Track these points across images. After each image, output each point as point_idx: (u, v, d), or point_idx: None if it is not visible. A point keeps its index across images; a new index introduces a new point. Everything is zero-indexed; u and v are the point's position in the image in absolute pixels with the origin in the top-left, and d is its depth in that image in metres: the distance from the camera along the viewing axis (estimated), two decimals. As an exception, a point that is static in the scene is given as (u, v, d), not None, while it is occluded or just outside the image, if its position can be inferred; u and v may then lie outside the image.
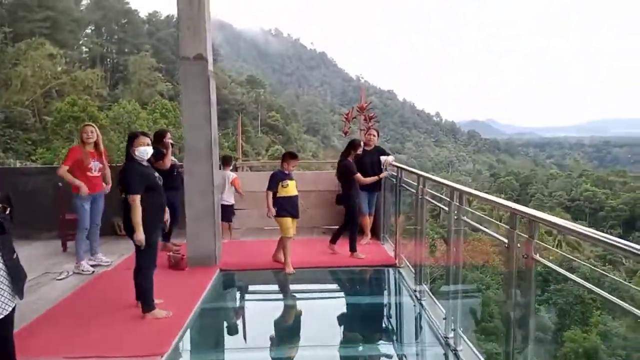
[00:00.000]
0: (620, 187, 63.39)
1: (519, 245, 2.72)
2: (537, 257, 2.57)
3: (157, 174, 3.97)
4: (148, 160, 4.01)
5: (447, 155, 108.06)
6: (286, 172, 5.35)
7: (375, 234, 6.60)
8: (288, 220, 5.30)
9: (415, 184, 4.60)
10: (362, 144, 6.09)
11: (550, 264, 2.62)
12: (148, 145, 3.90)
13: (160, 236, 4.51)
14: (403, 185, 5.30)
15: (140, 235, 3.70)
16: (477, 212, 3.77)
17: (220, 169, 6.30)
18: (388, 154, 6.24)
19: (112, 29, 59.28)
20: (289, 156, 5.43)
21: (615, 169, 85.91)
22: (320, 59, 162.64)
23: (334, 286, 5.91)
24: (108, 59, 57.16)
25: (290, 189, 5.33)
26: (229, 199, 6.67)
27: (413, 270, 4.83)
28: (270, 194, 5.28)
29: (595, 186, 64.43)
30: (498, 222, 3.33)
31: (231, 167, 6.96)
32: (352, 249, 5.69)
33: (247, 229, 7.32)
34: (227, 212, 6.61)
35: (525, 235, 2.65)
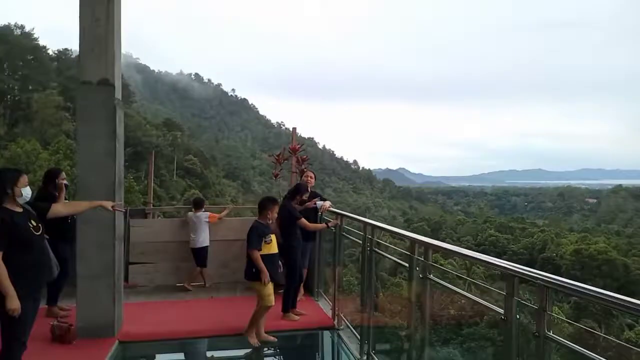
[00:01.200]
0: (520, 233, 68.58)
1: (417, 268, 3.19)
2: (432, 277, 3.09)
3: (33, 223, 3.05)
4: (34, 205, 3.17)
5: (364, 202, 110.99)
6: (267, 223, 4.44)
7: (308, 289, 5.88)
8: (270, 286, 4.33)
9: (362, 233, 4.08)
10: (308, 188, 5.51)
11: (440, 281, 3.15)
12: (26, 185, 3.03)
13: (42, 299, 3.52)
14: (344, 234, 4.76)
15: (11, 303, 2.80)
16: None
17: (191, 211, 6.34)
18: (324, 199, 5.64)
19: (15, 64, 54.56)
20: (271, 202, 4.47)
21: (514, 216, 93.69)
22: (242, 104, 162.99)
23: (259, 356, 5.09)
24: (9, 96, 52.26)
25: (272, 245, 4.41)
26: (205, 241, 6.23)
27: (357, 334, 4.19)
28: (258, 253, 4.31)
29: (499, 232, 69.23)
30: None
31: (203, 210, 6.48)
32: (286, 309, 4.92)
33: (155, 287, 6.24)
34: (202, 256, 6.20)
35: (422, 259, 3.15)
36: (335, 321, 4.79)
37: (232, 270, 6.32)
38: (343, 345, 4.43)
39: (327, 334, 4.79)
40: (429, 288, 3.10)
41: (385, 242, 4.18)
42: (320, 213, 5.47)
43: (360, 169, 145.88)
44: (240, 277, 6.44)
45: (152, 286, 6.25)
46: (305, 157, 6.73)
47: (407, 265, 3.32)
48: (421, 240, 3.19)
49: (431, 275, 3.08)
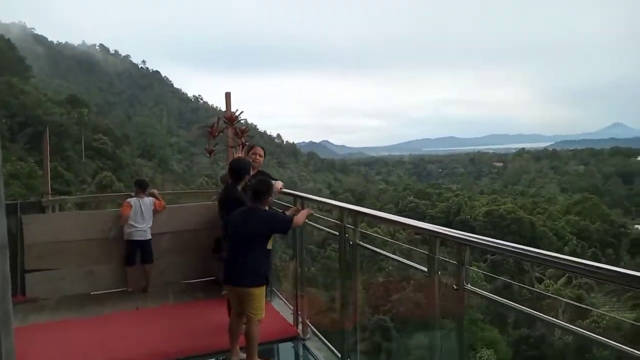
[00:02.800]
0: (436, 198, 72.42)
1: (347, 235, 3.26)
2: (361, 242, 3.19)
3: None
4: None
5: (290, 176, 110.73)
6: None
7: None
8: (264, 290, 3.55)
9: (337, 221, 3.43)
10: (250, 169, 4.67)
11: (370, 246, 3.27)
12: None
13: None
14: (307, 222, 4.05)
15: None
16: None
17: (133, 196, 5.46)
18: (275, 179, 4.71)
19: None
20: (265, 186, 3.60)
21: (431, 182, 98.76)
22: (154, 77, 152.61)
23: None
24: None
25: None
26: (148, 233, 5.26)
27: (328, 345, 3.61)
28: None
29: (417, 198, 72.62)
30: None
31: (147, 193, 5.48)
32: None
33: (62, 299, 5.14)
34: (147, 251, 5.24)
35: (351, 227, 3.23)
36: (300, 328, 4.03)
37: (160, 269, 5.43)
38: (313, 358, 3.70)
39: (288, 347, 4.00)
40: (358, 254, 3.26)
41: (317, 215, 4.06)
42: (274, 195, 4.75)
43: (284, 142, 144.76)
44: (172, 277, 5.45)
45: (57, 297, 5.17)
46: (245, 128, 5.61)
47: (337, 233, 3.37)
48: (350, 209, 3.28)
49: (360, 242, 3.17)
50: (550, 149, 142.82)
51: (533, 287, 28.74)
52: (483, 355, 19.53)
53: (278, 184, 4.61)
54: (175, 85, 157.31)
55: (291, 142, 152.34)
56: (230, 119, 5.52)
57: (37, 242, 5.17)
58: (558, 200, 71.28)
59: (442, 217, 64.46)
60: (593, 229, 52.44)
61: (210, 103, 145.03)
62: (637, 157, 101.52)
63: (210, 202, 5.89)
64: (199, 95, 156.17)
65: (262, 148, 5.02)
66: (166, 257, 5.52)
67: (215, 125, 5.70)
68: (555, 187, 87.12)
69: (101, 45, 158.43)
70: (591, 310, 24.97)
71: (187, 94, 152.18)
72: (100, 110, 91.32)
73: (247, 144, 5.32)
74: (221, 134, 5.66)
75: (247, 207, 3.55)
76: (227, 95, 5.76)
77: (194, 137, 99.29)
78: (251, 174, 4.61)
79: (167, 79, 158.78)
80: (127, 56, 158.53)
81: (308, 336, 3.97)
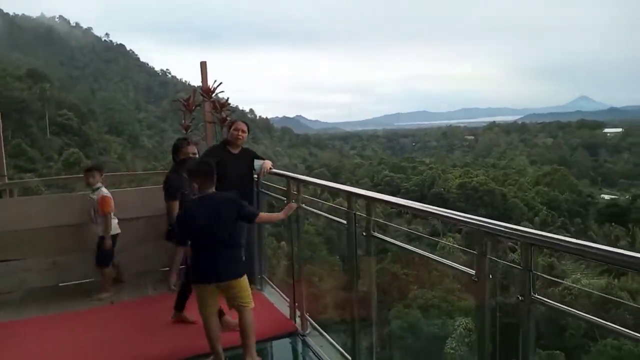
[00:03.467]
0: (411, 171, 73.08)
1: (357, 224, 2.84)
2: (376, 233, 2.73)
3: None
4: None
5: (264, 151, 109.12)
6: None
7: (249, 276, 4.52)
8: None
9: (345, 209, 2.97)
10: (228, 141, 4.24)
11: (387, 238, 2.80)
12: None
13: None
14: (304, 206, 3.57)
15: None
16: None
17: (97, 185, 4.59)
18: (262, 158, 4.28)
19: None
20: (206, 166, 3.24)
21: (404, 156, 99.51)
22: (118, 51, 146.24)
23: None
24: None
25: None
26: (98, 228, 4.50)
27: (333, 343, 3.17)
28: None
29: (393, 172, 73.11)
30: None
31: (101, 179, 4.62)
32: (179, 307, 3.72)
33: (27, 292, 4.60)
34: (104, 254, 4.47)
35: (364, 215, 2.77)
36: (298, 322, 3.55)
37: (137, 257, 4.93)
38: (316, 358, 3.21)
39: (285, 344, 3.50)
40: (373, 247, 2.81)
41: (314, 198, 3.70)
42: (262, 176, 4.20)
43: (258, 117, 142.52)
44: (149, 265, 4.88)
45: (22, 290, 4.63)
46: (224, 101, 5.05)
47: (345, 222, 2.92)
48: (364, 195, 2.85)
49: (375, 233, 2.73)
50: (520, 122, 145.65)
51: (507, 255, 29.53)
52: (462, 323, 19.98)
53: (267, 164, 4.18)
54: (142, 59, 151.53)
55: (264, 117, 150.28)
56: (208, 91, 4.95)
57: None
58: (528, 172, 72.97)
59: (417, 190, 65.23)
60: (562, 199, 54.04)
61: (179, 77, 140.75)
62: (602, 130, 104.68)
63: None
64: (167, 69, 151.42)
65: (245, 123, 4.42)
66: (142, 244, 4.94)
67: (192, 98, 5.12)
68: (525, 159, 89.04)
69: (61, 17, 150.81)
70: (561, 282, 25.74)
71: (154, 68, 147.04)
72: (63, 85, 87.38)
73: (228, 118, 4.81)
74: (198, 107, 5.12)
75: (205, 194, 3.09)
76: (203, 65, 5.13)
77: (164, 112, 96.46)
78: (235, 152, 4.23)
79: (133, 52, 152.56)
80: (89, 29, 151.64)
81: (308, 331, 3.48)
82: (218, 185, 3.53)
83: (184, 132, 5.11)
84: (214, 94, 4.96)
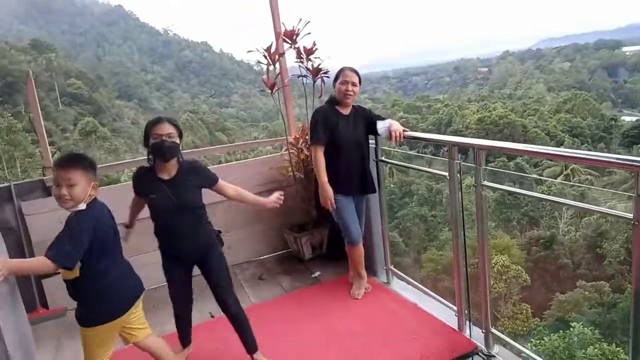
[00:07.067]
0: (426, 111, 71.75)
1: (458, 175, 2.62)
2: (486, 182, 2.46)
3: None
4: None
5: (274, 104, 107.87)
6: None
7: (369, 268, 3.52)
8: None
9: (446, 159, 2.72)
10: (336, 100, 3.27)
11: (501, 187, 2.91)
12: None
13: None
14: (486, 182, 2.60)
15: None
16: None
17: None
18: (382, 118, 3.30)
19: None
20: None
21: (418, 95, 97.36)
22: (117, 12, 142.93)
23: None
24: None
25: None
26: None
27: None
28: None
29: (407, 113, 71.75)
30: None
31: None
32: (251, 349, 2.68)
33: None
34: None
35: (471, 164, 2.50)
36: (469, 333, 2.58)
37: (240, 247, 4.46)
38: None
39: None
40: (484, 200, 2.48)
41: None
42: (395, 143, 3.17)
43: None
44: (246, 256, 4.27)
45: None
46: (311, 47, 3.78)
47: (446, 174, 2.69)
48: (472, 144, 2.51)
49: (487, 182, 2.46)
50: (534, 49, 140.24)
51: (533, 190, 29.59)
52: (499, 261, 20.11)
53: (397, 126, 3.14)
54: (142, 20, 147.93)
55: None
56: (291, 35, 3.69)
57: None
58: (547, 100, 71.07)
59: (434, 130, 64.23)
60: (585, 124, 52.80)
61: (181, 35, 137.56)
62: (620, 49, 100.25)
63: (279, 155, 4.59)
64: (169, 27, 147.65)
65: (356, 72, 3.26)
66: (227, 233, 3.97)
67: (276, 47, 3.87)
68: (542, 86, 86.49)
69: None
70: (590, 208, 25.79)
71: (155, 28, 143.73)
72: (68, 54, 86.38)
73: (323, 70, 3.79)
74: (281, 58, 3.96)
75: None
76: (274, 3, 3.99)
77: (170, 73, 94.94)
78: (345, 113, 3.28)
79: (132, 12, 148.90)
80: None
81: (496, 350, 2.43)
82: (332, 156, 3.14)
83: (270, 92, 3.91)
84: (298, 39, 3.80)
